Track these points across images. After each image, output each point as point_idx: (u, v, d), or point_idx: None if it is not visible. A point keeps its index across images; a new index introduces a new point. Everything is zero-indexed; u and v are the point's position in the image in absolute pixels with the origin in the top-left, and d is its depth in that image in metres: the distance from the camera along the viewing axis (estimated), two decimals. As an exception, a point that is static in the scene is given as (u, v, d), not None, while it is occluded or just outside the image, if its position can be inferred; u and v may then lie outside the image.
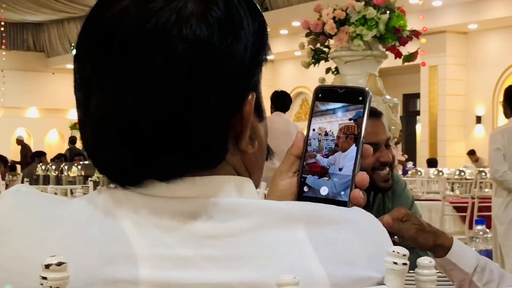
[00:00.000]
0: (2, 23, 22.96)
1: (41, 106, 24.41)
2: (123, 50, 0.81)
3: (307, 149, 1.03)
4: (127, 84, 0.81)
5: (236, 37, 0.84)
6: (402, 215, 1.82)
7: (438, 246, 1.79)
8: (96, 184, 8.19)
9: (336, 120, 1.03)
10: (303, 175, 1.01)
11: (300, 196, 1.00)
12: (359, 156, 1.01)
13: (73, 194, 7.02)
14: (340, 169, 1.01)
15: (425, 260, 0.89)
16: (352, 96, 1.03)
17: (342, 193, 0.99)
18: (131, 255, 0.80)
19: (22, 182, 9.03)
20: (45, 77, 24.62)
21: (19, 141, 18.72)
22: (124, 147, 0.83)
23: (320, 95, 1.04)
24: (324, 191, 1.00)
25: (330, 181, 1.00)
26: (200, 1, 0.83)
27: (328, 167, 1.01)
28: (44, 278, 0.76)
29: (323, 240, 0.85)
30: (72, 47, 23.00)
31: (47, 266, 0.75)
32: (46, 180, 10.79)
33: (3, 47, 23.38)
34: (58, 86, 24.41)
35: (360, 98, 1.02)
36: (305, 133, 1.04)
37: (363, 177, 0.98)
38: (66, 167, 10.94)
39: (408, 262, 0.85)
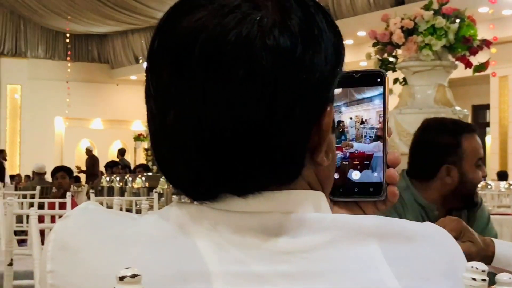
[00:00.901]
0: (68, 35, 23.43)
1: (105, 117, 24.75)
2: (205, 62, 0.81)
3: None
4: (209, 96, 0.81)
5: (317, 48, 0.84)
6: (460, 228, 1.80)
7: (485, 258, 1.78)
8: (160, 195, 8.28)
9: (357, 105, 1.03)
10: (342, 161, 1.01)
11: (335, 184, 0.98)
12: (386, 136, 1.02)
13: (138, 206, 7.10)
14: (367, 150, 1.02)
15: (504, 277, 0.88)
16: (370, 79, 1.03)
17: (375, 174, 1.01)
18: (205, 273, 0.80)
19: (87, 193, 9.19)
20: (109, 88, 24.96)
21: (88, 151, 19.02)
22: (203, 160, 0.83)
23: (344, 82, 1.03)
24: (356, 175, 1.01)
25: (359, 163, 1.01)
26: (279, 11, 0.83)
27: (356, 152, 1.02)
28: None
29: (397, 255, 0.84)
30: (139, 59, 23.32)
31: (122, 278, 0.75)
32: (110, 192, 10.94)
33: (68, 58, 23.82)
34: (122, 98, 24.74)
35: (379, 80, 1.03)
36: None
37: (395, 155, 1.00)
38: (130, 178, 11.07)
39: (487, 278, 0.84)
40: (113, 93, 24.91)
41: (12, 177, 18.05)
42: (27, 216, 6.12)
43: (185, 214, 0.85)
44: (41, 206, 6.34)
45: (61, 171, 8.19)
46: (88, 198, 9.42)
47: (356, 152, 1.03)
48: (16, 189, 12.18)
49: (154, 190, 7.30)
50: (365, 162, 1.02)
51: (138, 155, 22.95)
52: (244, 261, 0.81)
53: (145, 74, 0.88)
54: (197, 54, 0.81)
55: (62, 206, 6.47)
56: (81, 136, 24.21)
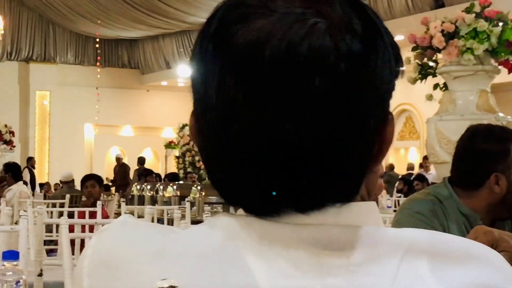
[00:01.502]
0: (97, 40, 23.62)
1: (135, 124, 24.89)
2: (275, 74, 0.79)
3: None
4: (281, 109, 0.80)
5: (385, 56, 0.84)
6: (491, 241, 1.78)
7: None
8: (192, 204, 8.31)
9: None
10: None
11: None
12: None
13: (169, 215, 7.14)
14: None
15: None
16: None
17: None
18: (253, 287, 0.80)
19: (118, 202, 9.23)
20: (140, 94, 25.11)
21: (118, 159, 19.15)
22: (270, 175, 0.82)
23: None
24: None
25: None
26: (344, 18, 0.82)
27: None
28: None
29: (447, 274, 0.84)
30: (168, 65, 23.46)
31: None
32: (141, 201, 11.00)
33: (98, 64, 24.00)
34: (152, 104, 24.88)
35: None
36: None
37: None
38: (161, 187, 11.13)
39: None
40: (144, 99, 25.05)
41: (41, 185, 18.23)
42: (57, 226, 6.18)
43: (233, 226, 0.85)
44: (70, 215, 6.39)
45: (91, 179, 8.23)
46: (119, 207, 9.49)
47: None
48: (45, 198, 12.29)
49: (186, 199, 7.32)
50: None
51: (169, 163, 23.04)
52: (292, 275, 0.81)
53: (191, 81, 0.87)
54: (266, 66, 0.80)
55: (92, 215, 6.52)
56: (111, 144, 24.36)
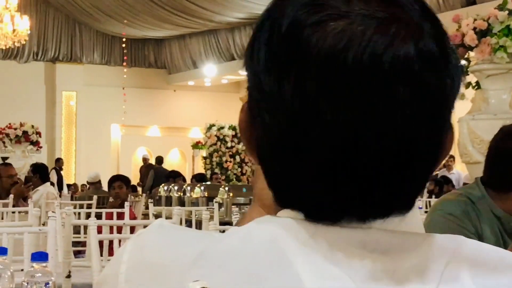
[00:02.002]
0: (124, 40, 23.71)
1: (162, 124, 24.96)
2: (360, 82, 0.79)
3: None
4: (364, 117, 0.79)
5: (453, 60, 0.84)
6: None
7: None
8: (220, 205, 8.32)
9: None
10: None
11: None
12: None
13: (197, 216, 7.16)
14: None
15: None
16: None
17: None
18: None
19: (146, 203, 9.28)
20: (166, 94, 25.17)
21: (145, 160, 19.21)
22: (345, 181, 0.82)
23: None
24: None
25: None
26: (419, 21, 0.83)
27: None
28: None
29: (486, 282, 0.84)
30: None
31: None
32: (168, 202, 11.03)
33: (124, 64, 24.09)
34: (179, 104, 24.93)
35: None
36: None
37: None
38: (188, 188, 11.15)
39: None
40: (170, 100, 25.11)
41: (68, 186, 18.34)
42: (85, 227, 6.22)
43: (277, 228, 0.84)
44: (98, 216, 6.43)
45: (118, 180, 8.28)
46: (146, 208, 9.53)
47: None
48: (72, 199, 12.38)
49: (214, 200, 7.33)
50: None
51: (196, 164, 23.09)
52: (340, 277, 0.81)
53: (255, 78, 0.86)
54: (349, 74, 0.79)
55: (120, 216, 6.55)
56: (138, 144, 24.43)
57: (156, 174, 17.03)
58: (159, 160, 18.63)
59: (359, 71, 0.79)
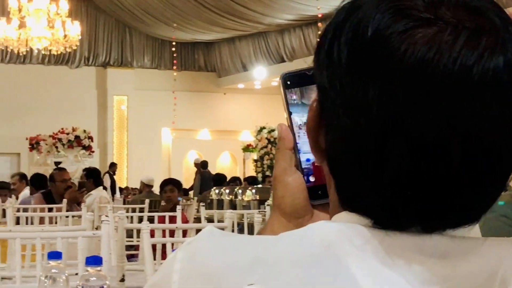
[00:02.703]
0: (173, 43, 23.87)
1: (212, 127, 25.06)
2: (449, 93, 0.79)
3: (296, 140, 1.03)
4: (452, 128, 0.80)
5: None
6: None
7: None
8: (271, 208, 8.32)
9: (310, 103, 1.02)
10: (304, 166, 1.02)
11: (311, 188, 1.01)
12: None
13: (249, 219, 7.17)
14: None
15: None
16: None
17: None
18: None
19: (198, 207, 9.31)
20: (216, 97, 25.27)
21: (196, 164, 19.32)
22: (422, 193, 0.82)
23: (288, 82, 1.05)
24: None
25: None
26: (502, 28, 0.83)
27: None
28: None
29: None
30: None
31: None
32: (219, 205, 11.08)
33: (174, 67, 24.25)
34: (229, 107, 25.01)
35: None
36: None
37: None
38: (240, 191, 11.20)
39: None
40: (220, 103, 25.20)
41: (120, 189, 18.51)
42: (137, 231, 6.28)
43: (333, 233, 0.84)
44: (150, 220, 6.48)
45: (170, 184, 8.35)
46: (197, 211, 9.57)
47: None
48: (124, 203, 12.50)
49: (266, 203, 7.34)
50: None
51: (247, 167, 23.13)
52: (397, 282, 0.81)
53: (334, 80, 0.86)
54: (438, 84, 0.79)
55: (172, 220, 6.59)
56: (189, 148, 24.57)
57: (202, 178, 17.13)
58: (204, 164, 18.73)
59: (448, 82, 0.79)
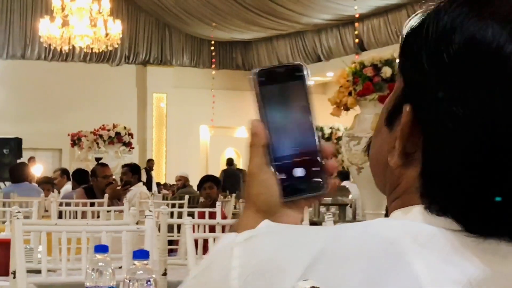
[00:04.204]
0: (212, 42, 23.93)
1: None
2: None
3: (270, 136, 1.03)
4: None
5: None
6: None
7: None
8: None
9: (284, 100, 1.04)
10: (276, 163, 1.02)
11: (283, 185, 1.01)
12: (315, 128, 1.05)
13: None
14: (305, 146, 1.03)
15: None
16: (291, 73, 1.05)
17: (317, 169, 1.02)
18: None
19: (235, 204, 9.34)
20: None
21: (229, 162, 19.35)
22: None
23: (262, 78, 1.05)
24: (300, 172, 1.02)
25: (302, 160, 1.03)
26: None
27: (296, 148, 1.03)
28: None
29: None
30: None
31: None
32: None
33: (213, 66, 24.30)
34: (267, 105, 25.00)
35: (299, 74, 1.05)
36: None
37: (329, 146, 1.03)
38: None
39: None
40: (258, 101, 25.17)
41: (157, 185, 18.59)
42: (178, 226, 6.30)
43: (396, 229, 0.85)
44: (190, 216, 6.50)
45: (209, 181, 8.38)
46: (235, 207, 9.59)
47: (297, 149, 1.03)
48: (163, 198, 12.55)
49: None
50: (305, 158, 1.03)
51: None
52: (459, 281, 0.81)
53: (435, 87, 0.87)
54: None
55: (211, 215, 6.62)
56: (226, 145, 24.60)
57: (226, 175, 17.16)
58: (229, 161, 18.78)
59: None
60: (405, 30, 0.93)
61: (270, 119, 1.05)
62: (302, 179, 1.03)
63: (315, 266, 0.82)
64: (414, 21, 0.91)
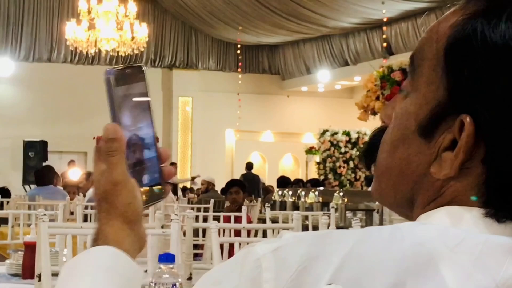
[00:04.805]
0: (238, 46, 23.97)
1: (275, 129, 25.09)
2: None
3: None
4: None
5: None
6: None
7: None
8: (335, 211, 8.29)
9: (131, 103, 1.02)
10: (130, 170, 1.00)
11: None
12: (155, 131, 1.03)
13: (313, 222, 7.17)
14: (148, 152, 1.02)
15: None
16: (137, 75, 1.04)
17: (156, 175, 1.01)
18: None
19: (260, 208, 9.33)
20: (280, 100, 25.28)
21: (249, 166, 19.39)
22: None
23: (115, 80, 1.03)
24: (145, 180, 1.01)
25: (147, 166, 1.02)
26: None
27: (142, 154, 1.01)
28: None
29: None
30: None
31: None
32: (282, 206, 11.07)
33: (239, 70, 24.34)
34: (293, 110, 24.99)
35: (141, 75, 1.04)
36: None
37: (165, 151, 1.02)
38: (303, 193, 11.16)
39: None
40: (284, 105, 25.21)
41: (184, 190, 18.64)
42: (203, 230, 6.31)
43: (426, 234, 0.85)
44: (216, 220, 6.51)
45: (235, 186, 8.40)
46: (260, 212, 9.59)
47: (142, 155, 1.02)
48: (188, 202, 12.59)
49: (330, 205, 7.33)
50: (149, 164, 1.02)
51: (310, 169, 23.09)
52: (487, 286, 0.81)
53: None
54: None
55: (237, 220, 6.62)
56: (252, 149, 24.63)
57: (245, 179, 17.21)
58: (249, 166, 18.80)
59: None
60: (440, 38, 0.93)
61: (123, 122, 1.02)
62: (151, 186, 1.02)
63: (343, 268, 0.83)
64: (457, 31, 0.91)
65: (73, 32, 17.08)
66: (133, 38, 17.15)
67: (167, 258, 2.49)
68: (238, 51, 24.16)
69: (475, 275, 0.81)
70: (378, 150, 0.99)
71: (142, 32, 17.35)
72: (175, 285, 2.41)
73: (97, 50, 17.71)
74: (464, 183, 0.89)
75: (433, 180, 0.91)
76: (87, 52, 17.88)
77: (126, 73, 1.05)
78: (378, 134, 1.03)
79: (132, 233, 1.00)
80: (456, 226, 0.86)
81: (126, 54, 18.13)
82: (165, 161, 1.03)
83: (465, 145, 0.88)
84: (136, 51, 17.93)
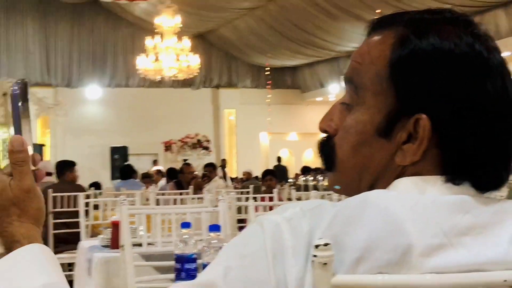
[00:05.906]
0: (267, 68, 23.92)
1: (299, 131, 25.01)
2: None
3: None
4: None
5: None
6: None
7: None
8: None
9: (24, 115, 0.89)
10: None
11: None
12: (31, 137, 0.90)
13: (324, 197, 7.14)
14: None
15: None
16: (26, 89, 0.89)
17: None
18: (407, 245, 0.79)
19: (289, 191, 9.32)
20: (301, 108, 25.18)
21: (279, 159, 19.38)
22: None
23: (19, 95, 0.89)
24: None
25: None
26: None
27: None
28: (315, 256, 0.76)
29: None
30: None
31: (317, 246, 0.76)
32: (306, 188, 11.06)
33: (268, 87, 24.29)
34: (311, 115, 24.80)
35: (27, 90, 0.89)
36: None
37: (37, 155, 0.91)
38: (321, 178, 11.15)
39: None
40: (304, 112, 25.10)
41: (232, 179, 18.68)
42: (245, 207, 6.32)
43: (392, 196, 0.84)
44: (255, 200, 6.53)
45: (270, 174, 8.42)
46: (289, 194, 9.59)
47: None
48: (234, 188, 12.61)
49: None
50: (34, 170, 0.91)
51: (326, 160, 22.87)
52: (437, 234, 0.80)
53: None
54: None
55: (270, 199, 6.65)
56: (281, 146, 24.59)
57: (276, 169, 17.16)
58: (278, 159, 18.83)
59: None
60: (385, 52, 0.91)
61: (23, 134, 0.90)
62: None
63: (331, 225, 0.82)
64: (397, 51, 0.89)
65: (143, 64, 17.19)
66: (188, 66, 17.20)
67: (214, 228, 2.52)
68: (268, 72, 24.08)
69: (429, 226, 0.80)
70: (335, 155, 0.94)
71: (195, 61, 17.38)
72: (221, 247, 2.44)
73: (161, 77, 17.79)
74: (424, 163, 0.87)
75: (395, 167, 0.89)
76: (154, 78, 17.95)
77: (24, 89, 0.91)
78: (324, 144, 1.00)
79: (39, 231, 0.92)
80: (423, 192, 0.85)
81: (184, 78, 18.16)
82: (36, 164, 0.92)
83: (427, 135, 0.86)
84: (191, 76, 17.95)
